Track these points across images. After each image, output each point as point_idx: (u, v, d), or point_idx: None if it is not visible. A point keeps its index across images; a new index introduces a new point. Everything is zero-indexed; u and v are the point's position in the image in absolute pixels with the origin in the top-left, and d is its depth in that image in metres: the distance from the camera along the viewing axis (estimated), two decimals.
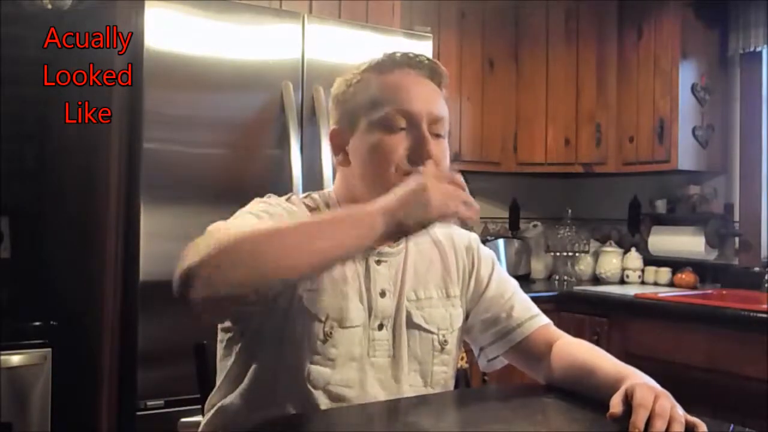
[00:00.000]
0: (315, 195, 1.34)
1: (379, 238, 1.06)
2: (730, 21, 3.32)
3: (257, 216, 1.19)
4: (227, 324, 1.26)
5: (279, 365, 1.22)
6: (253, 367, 1.23)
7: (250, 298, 1.04)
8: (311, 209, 1.30)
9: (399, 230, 1.07)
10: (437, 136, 1.25)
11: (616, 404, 1.08)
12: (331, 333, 1.22)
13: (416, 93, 1.25)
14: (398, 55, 1.28)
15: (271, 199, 1.28)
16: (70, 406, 2.21)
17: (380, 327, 1.28)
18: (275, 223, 1.10)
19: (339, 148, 1.31)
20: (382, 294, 1.28)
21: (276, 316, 1.20)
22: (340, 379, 1.22)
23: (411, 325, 1.30)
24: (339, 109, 1.31)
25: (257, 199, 1.28)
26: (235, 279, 0.99)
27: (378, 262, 1.29)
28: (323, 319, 1.22)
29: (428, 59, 1.29)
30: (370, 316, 1.27)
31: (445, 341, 1.33)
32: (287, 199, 1.30)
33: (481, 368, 1.47)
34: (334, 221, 1.09)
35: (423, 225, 1.08)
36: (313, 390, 1.20)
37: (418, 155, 1.21)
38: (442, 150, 1.26)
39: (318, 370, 1.21)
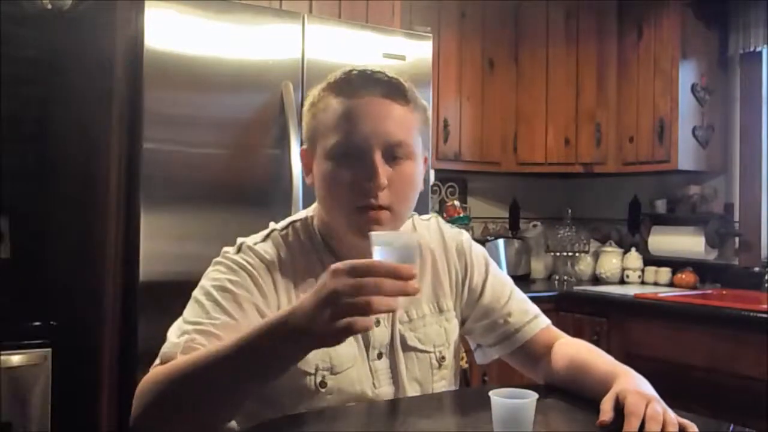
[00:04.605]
0: (297, 223, 1.29)
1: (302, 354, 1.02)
2: (730, 21, 3.33)
3: (215, 303, 1.14)
4: None
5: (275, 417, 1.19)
6: (243, 418, 1.21)
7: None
8: (292, 246, 1.25)
9: (317, 347, 1.01)
10: (398, 158, 1.18)
11: (606, 410, 1.08)
12: (323, 383, 1.19)
13: (368, 119, 1.17)
14: (354, 73, 1.21)
15: (240, 257, 1.21)
16: (70, 406, 2.21)
17: (379, 356, 1.25)
18: (202, 359, 1.03)
19: (308, 168, 1.27)
20: (377, 323, 1.25)
21: None
22: None
23: (406, 348, 1.28)
24: (305, 128, 1.26)
25: (226, 255, 1.22)
26: (176, 429, 1.03)
27: None
28: (312, 371, 1.18)
29: (387, 75, 1.21)
30: (367, 348, 1.24)
31: (443, 357, 1.31)
32: (265, 238, 1.25)
33: (478, 362, 1.47)
34: (255, 352, 0.99)
35: (334, 344, 0.96)
36: None
37: (368, 188, 1.16)
38: (404, 175, 1.19)
39: (315, 410, 1.19)
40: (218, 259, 1.23)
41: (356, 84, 1.20)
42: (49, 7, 2.45)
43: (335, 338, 0.93)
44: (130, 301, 2.11)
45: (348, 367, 1.21)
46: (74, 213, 2.49)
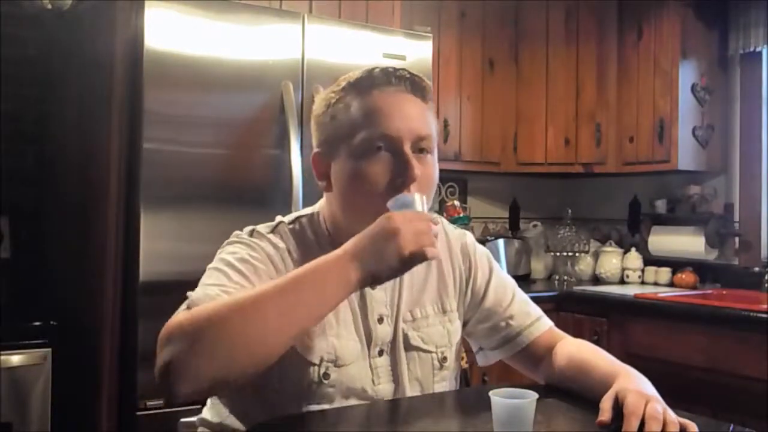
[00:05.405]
0: (303, 219, 1.28)
1: (354, 288, 1.05)
2: (730, 21, 3.33)
3: (238, 271, 1.14)
4: None
5: (274, 409, 1.18)
6: (245, 409, 1.22)
7: (237, 383, 1.03)
8: (299, 240, 1.24)
9: (371, 280, 1.05)
10: (423, 152, 1.19)
11: (606, 410, 1.08)
12: (326, 374, 1.18)
13: (396, 113, 1.17)
14: (377, 71, 1.20)
15: (255, 240, 1.22)
16: (70, 406, 2.21)
17: (380, 353, 1.25)
18: (249, 295, 1.02)
19: (322, 174, 1.24)
20: (380, 320, 1.25)
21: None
22: None
23: (409, 347, 1.27)
24: (319, 132, 1.24)
25: (240, 236, 1.23)
26: (217, 370, 0.98)
27: (373, 286, 1.21)
28: (317, 362, 1.18)
29: (410, 73, 1.21)
30: (369, 344, 1.24)
31: (444, 358, 1.31)
32: (273, 229, 1.25)
33: (479, 364, 1.47)
34: (308, 283, 1.03)
35: (395, 273, 1.05)
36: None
37: (401, 181, 1.15)
38: (428, 169, 1.20)
39: (315, 410, 1.18)
40: (233, 239, 1.23)
41: (380, 80, 1.20)
42: (49, 7, 2.45)
43: (409, 265, 1.05)
44: (130, 301, 2.11)
45: (350, 362, 1.21)
46: (74, 213, 2.49)
